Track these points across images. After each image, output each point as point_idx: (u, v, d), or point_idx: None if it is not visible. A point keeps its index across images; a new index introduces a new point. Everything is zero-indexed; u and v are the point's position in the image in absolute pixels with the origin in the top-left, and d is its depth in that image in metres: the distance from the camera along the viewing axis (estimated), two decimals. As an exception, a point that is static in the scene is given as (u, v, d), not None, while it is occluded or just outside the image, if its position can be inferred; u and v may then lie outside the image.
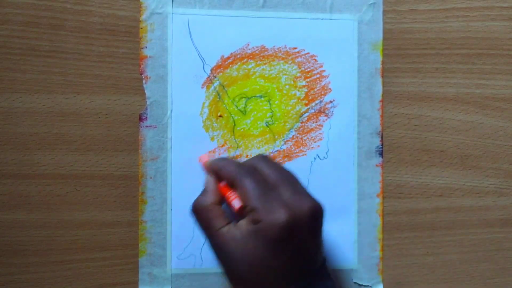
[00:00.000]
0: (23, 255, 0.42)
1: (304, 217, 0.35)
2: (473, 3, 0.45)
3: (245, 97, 0.44)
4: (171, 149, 0.43)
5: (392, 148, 0.45)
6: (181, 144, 0.43)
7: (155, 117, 0.43)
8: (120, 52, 0.42)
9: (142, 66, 0.42)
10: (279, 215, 0.34)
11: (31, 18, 0.42)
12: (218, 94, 0.43)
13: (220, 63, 0.43)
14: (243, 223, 0.35)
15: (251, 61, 0.44)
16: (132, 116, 0.43)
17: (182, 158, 0.43)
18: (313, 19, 0.44)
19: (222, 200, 0.37)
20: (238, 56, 0.43)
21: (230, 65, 0.43)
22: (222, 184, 0.38)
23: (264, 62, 0.44)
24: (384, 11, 0.44)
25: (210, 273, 0.43)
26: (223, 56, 0.43)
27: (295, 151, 0.44)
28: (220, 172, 0.38)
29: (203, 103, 0.43)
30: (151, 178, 0.43)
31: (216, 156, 0.43)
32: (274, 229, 0.34)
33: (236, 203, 0.36)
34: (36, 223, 0.42)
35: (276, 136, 0.44)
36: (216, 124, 0.43)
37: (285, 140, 0.44)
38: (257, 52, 0.44)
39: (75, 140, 0.42)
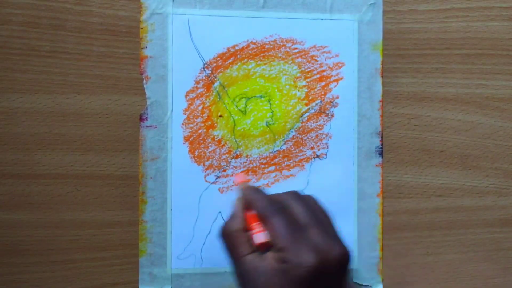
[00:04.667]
0: (23, 255, 0.42)
1: (333, 263, 0.34)
2: (473, 3, 0.45)
3: (245, 97, 0.44)
4: (171, 149, 0.43)
5: (392, 148, 0.45)
6: (181, 144, 0.43)
7: (156, 117, 0.43)
8: (120, 52, 0.43)
9: (142, 66, 0.42)
10: (307, 258, 0.33)
11: (31, 18, 0.42)
12: (218, 94, 0.43)
13: (220, 63, 0.43)
14: (269, 256, 0.35)
15: (251, 61, 0.44)
16: (132, 116, 0.43)
17: (182, 158, 0.43)
18: (313, 19, 0.44)
19: (249, 228, 0.37)
20: (239, 56, 0.43)
21: (230, 65, 0.43)
22: (251, 213, 0.37)
23: (264, 62, 0.44)
24: (384, 11, 0.44)
25: (210, 273, 0.43)
26: (223, 56, 0.43)
27: (295, 151, 0.44)
28: (251, 204, 0.37)
29: (204, 103, 0.43)
30: (151, 178, 0.43)
31: (249, 179, 0.43)
32: (301, 272, 0.33)
33: (259, 237, 0.35)
34: (36, 223, 0.42)
35: (276, 136, 0.44)
36: (216, 124, 0.43)
37: (285, 140, 0.44)
38: (257, 52, 0.44)
39: (75, 140, 0.42)
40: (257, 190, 0.38)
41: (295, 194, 0.38)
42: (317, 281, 0.33)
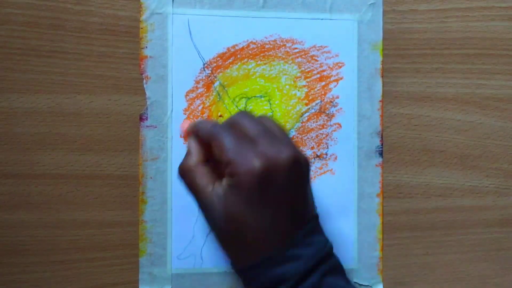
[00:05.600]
0: (23, 255, 0.42)
1: (282, 166, 0.33)
2: (473, 3, 0.45)
3: (245, 97, 0.44)
4: (171, 149, 0.43)
5: (392, 148, 0.45)
6: (181, 144, 0.43)
7: (156, 117, 0.43)
8: (120, 52, 0.43)
9: (142, 66, 0.42)
10: (254, 164, 0.32)
11: (31, 18, 0.42)
12: (219, 94, 0.43)
13: (220, 63, 0.43)
14: (224, 179, 0.34)
15: (251, 61, 0.44)
16: (132, 116, 0.43)
17: (182, 158, 0.43)
18: (313, 19, 0.44)
19: (206, 159, 0.36)
20: (238, 56, 0.43)
21: (230, 65, 0.43)
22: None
23: (264, 62, 0.44)
24: (384, 11, 0.44)
25: (210, 273, 0.43)
26: (223, 56, 0.43)
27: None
28: (199, 131, 0.37)
29: (204, 103, 0.43)
30: (151, 178, 0.43)
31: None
32: (249, 179, 0.32)
33: None
34: (36, 223, 0.42)
35: (276, 136, 0.44)
36: (216, 124, 0.43)
37: (285, 140, 0.44)
38: (257, 52, 0.44)
39: (75, 140, 0.42)
40: (202, 120, 0.38)
41: (244, 112, 0.37)
42: (267, 186, 0.32)
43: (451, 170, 0.45)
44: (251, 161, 0.32)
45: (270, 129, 0.35)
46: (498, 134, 0.46)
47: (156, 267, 0.43)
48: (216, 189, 0.34)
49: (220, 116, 0.43)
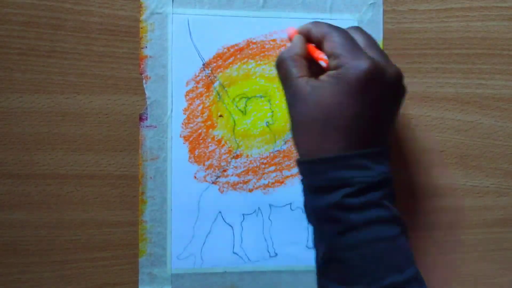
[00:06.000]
0: (23, 255, 0.42)
1: (387, 75, 0.33)
2: (473, 3, 0.45)
3: (245, 97, 0.44)
4: (171, 149, 0.43)
5: (392, 148, 0.45)
6: (181, 144, 0.43)
7: (155, 117, 0.43)
8: (120, 52, 0.42)
9: (142, 66, 0.42)
10: (363, 62, 0.33)
11: (31, 18, 0.42)
12: (218, 94, 0.43)
13: (220, 63, 0.43)
14: (325, 75, 0.34)
15: (251, 61, 0.44)
16: (132, 116, 0.43)
17: (182, 158, 0.43)
18: (313, 19, 0.44)
19: (307, 56, 0.36)
20: (238, 56, 0.43)
21: (230, 65, 0.43)
22: (311, 45, 0.36)
23: (264, 62, 0.44)
24: (384, 11, 0.44)
25: (210, 273, 0.43)
26: (223, 56, 0.43)
27: (295, 151, 0.44)
28: (311, 31, 0.36)
29: (204, 103, 0.43)
30: (151, 178, 0.43)
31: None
32: (356, 74, 0.32)
33: (323, 58, 0.35)
34: (36, 223, 0.42)
35: (276, 136, 0.44)
36: (216, 124, 0.43)
37: (285, 140, 0.44)
38: (257, 52, 0.44)
39: (75, 140, 0.42)
40: (313, 22, 0.37)
41: (357, 27, 0.37)
42: (370, 86, 0.33)
43: (451, 170, 0.45)
44: (361, 60, 0.33)
45: (379, 47, 0.36)
46: (498, 134, 0.46)
47: (156, 267, 0.43)
48: (311, 81, 0.34)
49: (220, 116, 0.43)
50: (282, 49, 0.36)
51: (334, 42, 0.34)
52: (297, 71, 0.35)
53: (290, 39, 0.38)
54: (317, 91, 0.33)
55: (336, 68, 0.33)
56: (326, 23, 0.36)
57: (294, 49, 0.36)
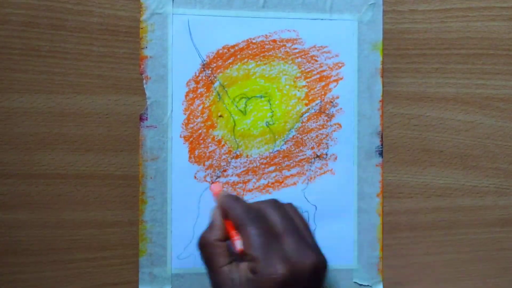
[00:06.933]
0: (23, 255, 0.42)
1: (304, 273, 0.34)
2: (473, 3, 0.45)
3: (245, 97, 0.44)
4: (171, 149, 0.43)
5: (392, 148, 0.45)
6: (181, 144, 0.43)
7: (156, 117, 0.43)
8: (120, 52, 0.43)
9: (142, 66, 0.42)
10: (277, 269, 0.34)
11: (31, 18, 0.42)
12: (218, 94, 0.43)
13: (220, 63, 0.43)
14: (243, 267, 0.35)
15: (251, 61, 0.44)
16: (132, 116, 0.43)
17: (182, 158, 0.43)
18: (313, 19, 0.44)
19: (227, 237, 0.37)
20: (238, 56, 0.43)
21: (230, 65, 0.43)
22: (229, 222, 0.37)
23: (264, 62, 0.44)
24: (384, 11, 0.44)
25: (210, 273, 0.43)
26: (223, 56, 0.43)
27: (295, 151, 0.44)
28: (228, 212, 0.37)
29: (204, 103, 0.43)
30: (151, 178, 0.43)
31: (226, 189, 0.43)
32: (270, 283, 0.33)
33: (238, 245, 0.36)
34: (36, 223, 0.42)
35: (276, 136, 0.44)
36: (216, 124, 0.43)
37: (285, 140, 0.44)
38: (257, 52, 0.44)
39: (75, 140, 0.42)
40: (235, 198, 0.39)
41: (273, 202, 0.38)
42: None
43: (451, 170, 0.45)
44: (275, 265, 0.34)
45: (296, 226, 0.37)
46: (498, 134, 0.46)
47: (156, 267, 0.43)
48: (232, 272, 0.35)
49: (220, 116, 0.43)
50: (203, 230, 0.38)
51: (249, 240, 0.35)
52: (218, 260, 0.36)
53: (214, 195, 0.40)
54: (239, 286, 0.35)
55: (252, 271, 0.34)
56: (243, 206, 0.37)
57: (214, 234, 0.37)
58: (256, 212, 0.37)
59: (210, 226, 0.38)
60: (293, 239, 0.35)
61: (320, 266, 0.36)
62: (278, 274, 0.33)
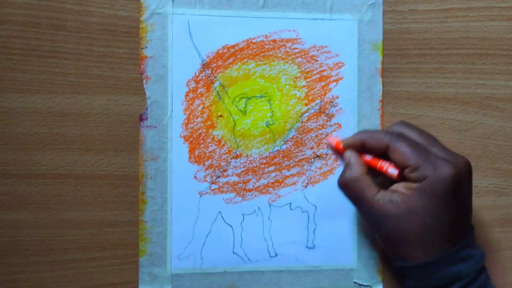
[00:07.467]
0: (23, 255, 0.42)
1: (465, 172, 0.36)
2: (473, 3, 0.45)
3: (245, 97, 0.44)
4: (171, 149, 0.43)
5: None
6: (181, 144, 0.43)
7: (156, 117, 0.43)
8: (120, 52, 0.43)
9: (142, 66, 0.43)
10: (446, 170, 0.35)
11: (31, 18, 0.42)
12: (218, 94, 0.43)
13: (220, 63, 0.43)
14: (399, 186, 0.36)
15: (251, 61, 0.44)
16: (132, 116, 0.43)
17: (182, 158, 0.43)
18: (313, 19, 0.44)
19: (368, 172, 0.38)
20: (238, 56, 0.43)
21: (230, 65, 0.43)
22: (368, 157, 0.39)
23: (264, 62, 0.44)
24: (384, 11, 0.44)
25: (210, 273, 0.43)
26: (223, 56, 0.43)
27: (295, 151, 0.44)
28: (368, 143, 0.38)
29: (204, 103, 0.43)
30: (151, 178, 0.43)
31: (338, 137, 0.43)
32: (444, 184, 0.34)
33: (393, 170, 0.37)
34: (36, 223, 0.42)
35: (276, 136, 0.44)
36: (216, 124, 0.43)
37: (285, 140, 0.44)
38: (257, 52, 0.44)
39: (75, 140, 0.42)
40: (364, 131, 0.40)
41: (404, 123, 0.40)
42: (457, 191, 0.35)
43: (451, 170, 0.45)
44: (442, 167, 0.35)
45: (431, 136, 0.39)
46: (498, 134, 0.46)
47: (156, 267, 0.43)
48: (387, 196, 0.36)
49: (220, 116, 0.43)
50: (339, 169, 0.40)
51: (403, 153, 0.36)
52: (369, 191, 0.37)
53: (334, 149, 0.42)
54: (404, 206, 0.35)
55: (418, 179, 0.35)
56: (380, 131, 0.39)
57: (355, 170, 0.38)
58: (393, 133, 0.38)
59: (347, 166, 0.39)
60: (438, 147, 0.37)
61: (470, 166, 0.37)
62: (449, 174, 0.34)
